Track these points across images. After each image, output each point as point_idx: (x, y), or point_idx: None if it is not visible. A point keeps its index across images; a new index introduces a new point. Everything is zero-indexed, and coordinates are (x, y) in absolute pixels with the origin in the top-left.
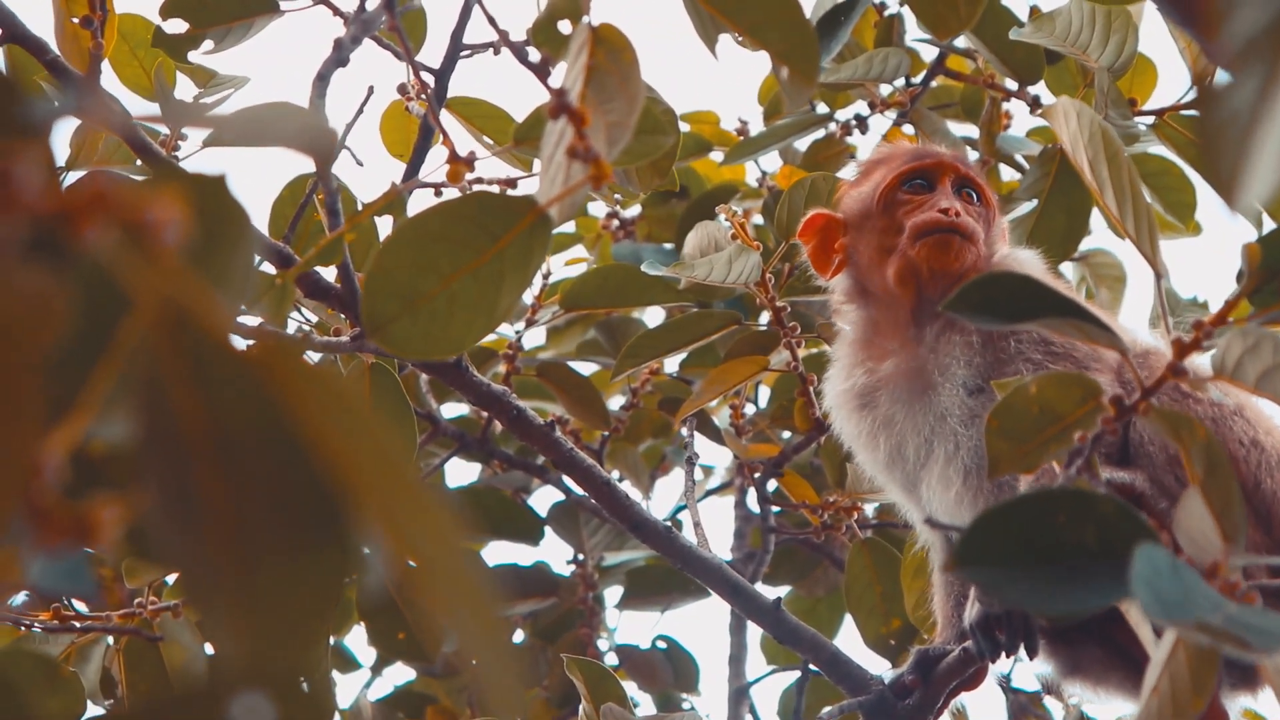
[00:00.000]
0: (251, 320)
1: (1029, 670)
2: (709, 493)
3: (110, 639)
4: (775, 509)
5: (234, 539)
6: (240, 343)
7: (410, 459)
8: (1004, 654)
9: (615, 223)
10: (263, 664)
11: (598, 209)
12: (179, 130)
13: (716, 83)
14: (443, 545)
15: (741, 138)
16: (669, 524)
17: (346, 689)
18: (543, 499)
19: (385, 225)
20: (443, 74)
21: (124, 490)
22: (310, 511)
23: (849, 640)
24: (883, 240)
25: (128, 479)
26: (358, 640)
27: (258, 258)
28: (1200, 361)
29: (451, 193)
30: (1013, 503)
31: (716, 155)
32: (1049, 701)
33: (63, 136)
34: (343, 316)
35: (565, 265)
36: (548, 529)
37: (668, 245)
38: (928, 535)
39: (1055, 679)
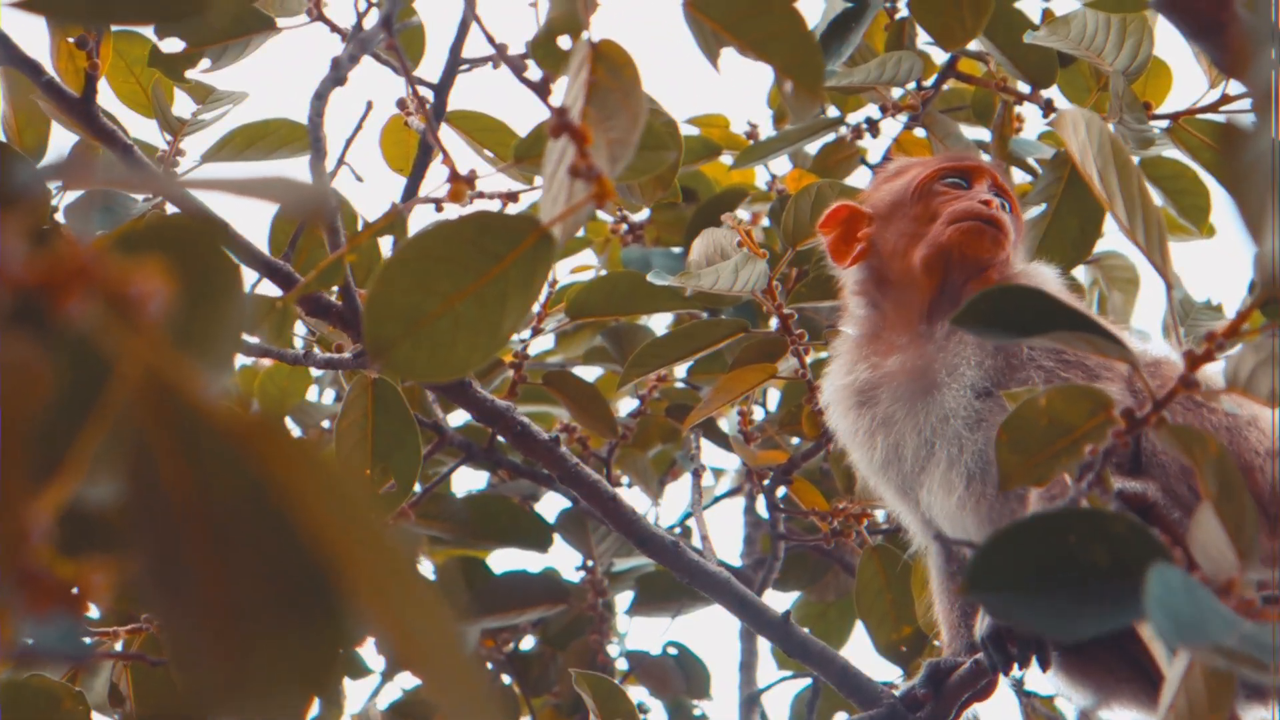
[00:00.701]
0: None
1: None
2: (719, 498)
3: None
4: (785, 515)
5: (223, 608)
6: (225, 415)
7: (386, 521)
8: (1016, 666)
9: (624, 227)
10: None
11: (606, 213)
12: (178, 146)
13: (727, 83)
14: (428, 619)
15: (751, 141)
16: (676, 538)
17: (356, 695)
18: (551, 505)
19: (387, 239)
20: (441, 89)
21: (116, 551)
22: (299, 584)
23: (860, 647)
24: (914, 227)
25: (120, 540)
26: (367, 646)
27: (258, 275)
28: (1213, 371)
29: (453, 209)
30: (1023, 524)
31: (727, 158)
32: (1061, 704)
33: (62, 153)
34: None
35: (572, 272)
36: (557, 535)
37: (677, 249)
38: (923, 540)
39: (1089, 708)
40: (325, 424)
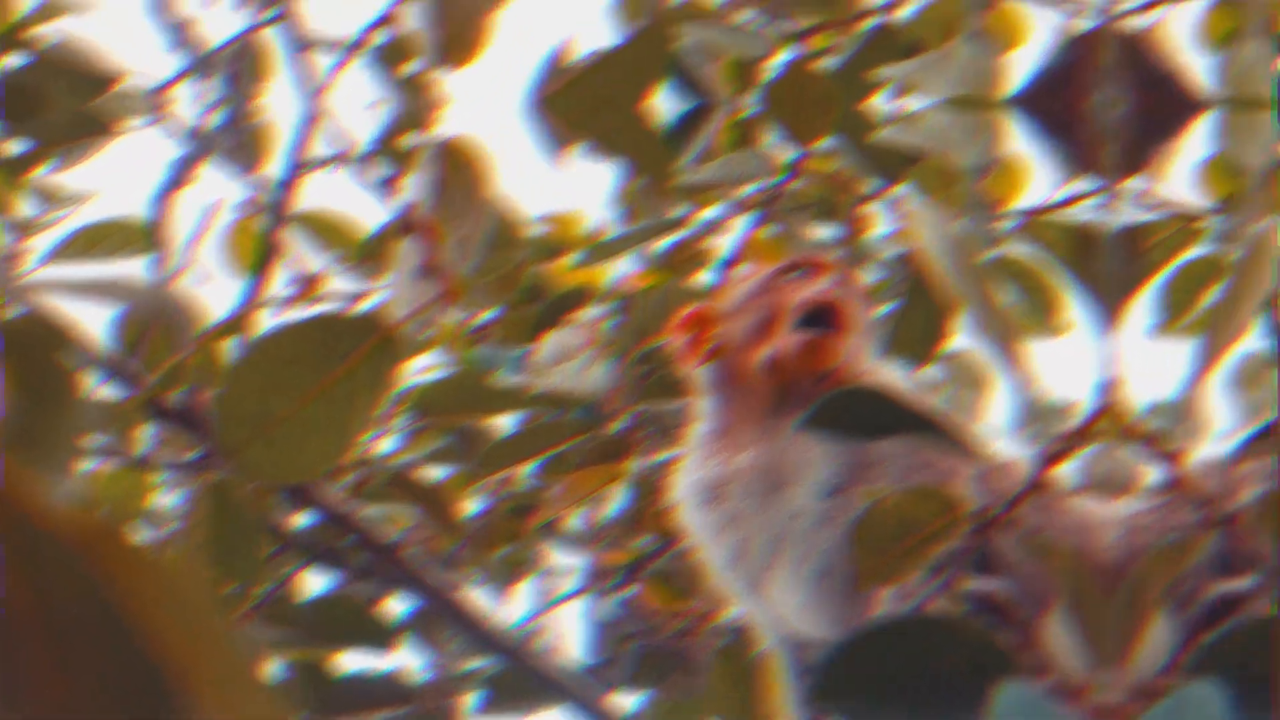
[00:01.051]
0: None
1: None
2: (566, 596)
3: None
4: (632, 615)
5: (63, 715)
6: (62, 521)
7: (228, 625)
8: None
9: (472, 326)
10: None
11: (456, 310)
12: (23, 246)
13: (580, 181)
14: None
15: (599, 240)
16: (521, 639)
17: None
18: (399, 604)
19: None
20: (284, 190)
21: None
22: (141, 689)
23: None
24: (759, 323)
25: None
26: None
27: (104, 376)
28: (1064, 472)
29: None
30: (871, 632)
31: (576, 256)
32: None
33: None
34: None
35: (420, 372)
36: (404, 635)
37: (527, 348)
38: (771, 638)
39: None
40: (174, 526)
